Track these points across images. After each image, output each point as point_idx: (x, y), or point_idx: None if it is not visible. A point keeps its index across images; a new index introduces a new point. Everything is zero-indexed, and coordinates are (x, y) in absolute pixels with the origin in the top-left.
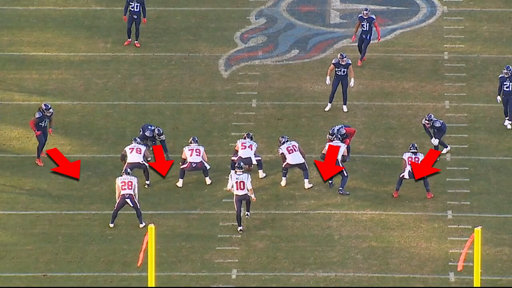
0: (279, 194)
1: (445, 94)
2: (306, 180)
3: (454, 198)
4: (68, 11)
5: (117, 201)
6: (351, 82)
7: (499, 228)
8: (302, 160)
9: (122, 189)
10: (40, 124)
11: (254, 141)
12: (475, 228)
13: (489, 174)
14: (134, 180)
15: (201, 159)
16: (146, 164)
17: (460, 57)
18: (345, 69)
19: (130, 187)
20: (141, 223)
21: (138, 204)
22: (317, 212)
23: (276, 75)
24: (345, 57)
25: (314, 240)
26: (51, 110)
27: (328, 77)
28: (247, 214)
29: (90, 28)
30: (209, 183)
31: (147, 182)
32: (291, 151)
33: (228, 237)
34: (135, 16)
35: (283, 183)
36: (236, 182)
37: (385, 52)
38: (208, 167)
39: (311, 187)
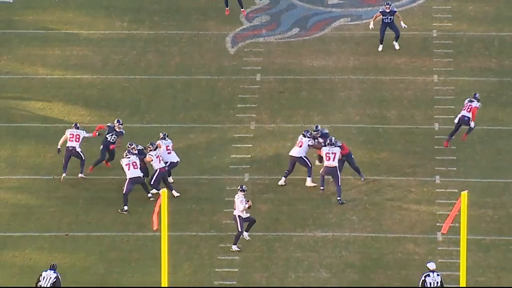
0: (281, 162)
1: (434, 68)
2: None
3: (442, 164)
4: None
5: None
6: (403, 25)
7: (483, 192)
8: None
9: (70, 141)
10: (106, 136)
11: (169, 139)
12: (462, 192)
13: (474, 142)
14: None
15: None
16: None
17: (447, 35)
18: (391, 16)
19: (78, 139)
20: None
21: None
22: (316, 177)
23: (278, 52)
24: (390, 4)
25: (313, 203)
26: (121, 126)
27: (372, 22)
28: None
29: (108, 8)
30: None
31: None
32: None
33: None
34: None
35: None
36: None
37: (379, 30)
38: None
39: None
